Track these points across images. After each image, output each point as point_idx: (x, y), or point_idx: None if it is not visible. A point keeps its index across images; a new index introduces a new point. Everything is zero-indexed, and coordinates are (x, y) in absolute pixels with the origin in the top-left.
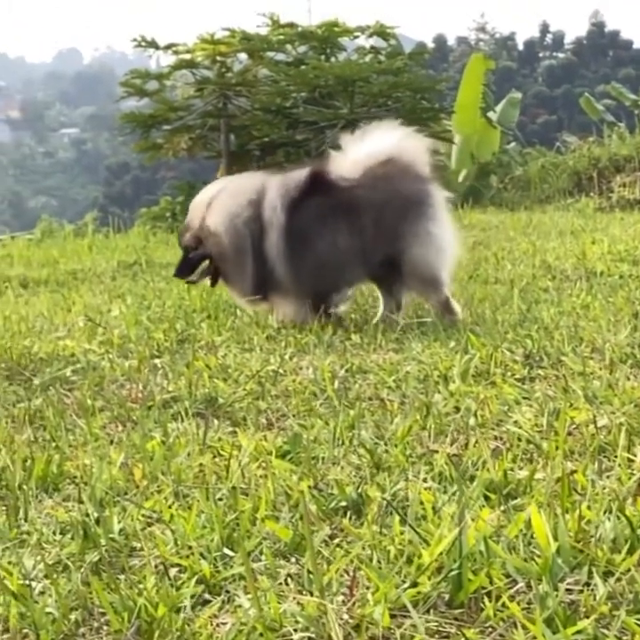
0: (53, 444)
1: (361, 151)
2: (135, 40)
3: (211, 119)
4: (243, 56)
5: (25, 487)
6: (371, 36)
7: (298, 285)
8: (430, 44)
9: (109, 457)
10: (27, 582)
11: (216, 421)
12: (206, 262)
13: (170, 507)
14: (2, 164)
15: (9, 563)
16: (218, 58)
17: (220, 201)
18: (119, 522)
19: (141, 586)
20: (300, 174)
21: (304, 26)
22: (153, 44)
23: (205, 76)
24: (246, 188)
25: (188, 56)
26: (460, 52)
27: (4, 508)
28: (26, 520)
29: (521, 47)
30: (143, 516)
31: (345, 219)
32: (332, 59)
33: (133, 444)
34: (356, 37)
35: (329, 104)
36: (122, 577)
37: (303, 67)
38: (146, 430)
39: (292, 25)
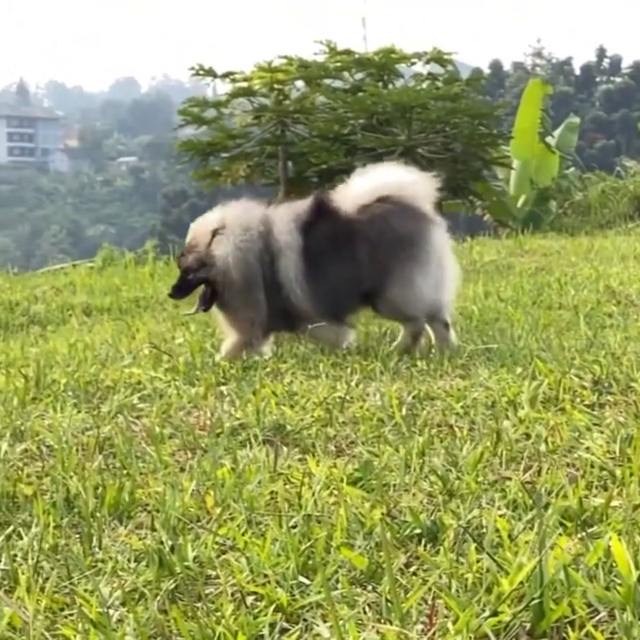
0: (124, 472)
1: (363, 186)
2: (193, 68)
3: (269, 146)
4: (300, 83)
5: (98, 515)
6: (428, 62)
7: (316, 305)
8: (486, 70)
9: (181, 484)
10: (104, 610)
11: (285, 448)
12: (202, 286)
13: (243, 534)
14: (61, 193)
15: (85, 590)
16: (275, 85)
17: (230, 231)
18: (193, 549)
19: (219, 614)
20: (305, 202)
21: (361, 53)
22: (210, 73)
23: (263, 104)
24: (254, 219)
25: (245, 84)
26: (517, 77)
27: (77, 535)
28: (100, 548)
29: (578, 72)
30: (217, 543)
31: (345, 245)
32: (390, 85)
33: (204, 472)
34: (413, 64)
35: (387, 131)
36: (199, 605)
37: (361, 94)
38: (216, 457)
39: (348, 52)
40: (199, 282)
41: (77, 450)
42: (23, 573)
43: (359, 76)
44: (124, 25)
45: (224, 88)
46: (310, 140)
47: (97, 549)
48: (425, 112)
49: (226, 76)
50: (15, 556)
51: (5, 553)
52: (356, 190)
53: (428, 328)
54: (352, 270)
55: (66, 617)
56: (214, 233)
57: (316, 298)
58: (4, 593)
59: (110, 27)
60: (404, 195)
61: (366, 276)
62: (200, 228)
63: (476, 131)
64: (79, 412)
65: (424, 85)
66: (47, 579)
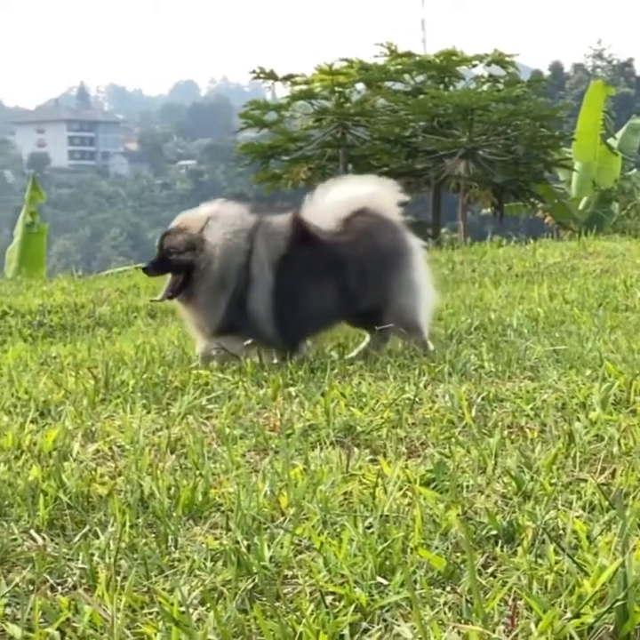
0: (197, 472)
1: (334, 201)
2: (254, 71)
3: (329, 149)
4: (361, 86)
5: (173, 514)
6: (489, 64)
7: (281, 337)
8: (546, 72)
9: (254, 485)
10: (185, 609)
11: (356, 450)
12: (177, 276)
13: (319, 534)
14: (121, 196)
15: (163, 589)
16: (336, 88)
17: (225, 223)
18: (269, 549)
19: (299, 613)
20: (286, 222)
21: (421, 55)
22: (271, 76)
23: (324, 107)
24: (244, 227)
25: (306, 86)
26: (577, 79)
27: (153, 534)
28: (176, 547)
29: (639, 73)
30: (292, 543)
31: (328, 273)
32: (450, 87)
33: (276, 472)
34: (474, 66)
35: (448, 133)
36: (277, 604)
37: (421, 96)
38: (288, 458)
39: (409, 54)
40: (180, 265)
41: (149, 450)
42: (101, 572)
43: (420, 78)
44: (184, 28)
45: (284, 91)
46: (371, 142)
47: (173, 549)
48: (486, 114)
49: (286, 78)
50: (92, 554)
51: (83, 551)
52: (332, 207)
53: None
54: (338, 295)
55: (145, 615)
56: (209, 221)
57: (283, 326)
58: (84, 591)
59: (170, 30)
60: (378, 207)
61: (360, 297)
62: (193, 215)
63: (537, 133)
64: (148, 412)
65: (485, 87)
66: (125, 577)
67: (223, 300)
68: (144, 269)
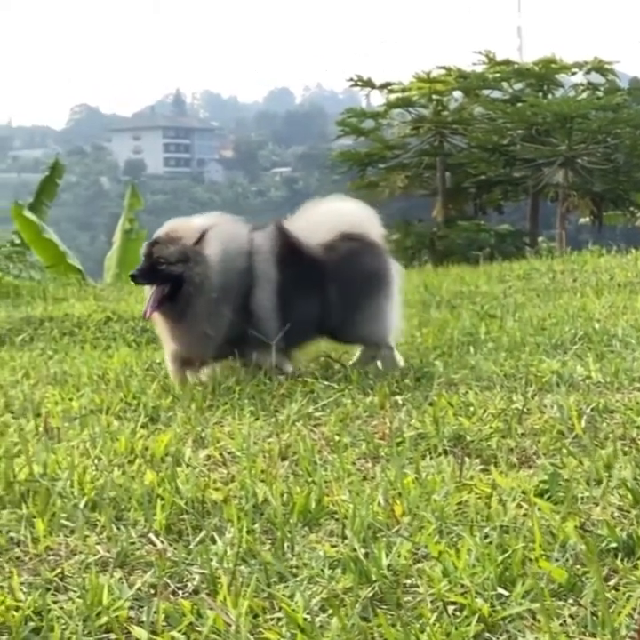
0: (309, 479)
1: (324, 221)
2: (351, 79)
3: (426, 157)
4: (458, 94)
5: (291, 521)
6: (588, 72)
7: (284, 335)
8: None
9: (367, 493)
10: (309, 616)
11: (466, 459)
12: (163, 287)
13: (436, 543)
14: (216, 203)
15: (283, 595)
16: (434, 96)
17: (223, 236)
18: (386, 557)
19: (422, 622)
20: (273, 232)
21: (520, 63)
22: (369, 83)
23: (421, 115)
24: (243, 237)
25: (403, 94)
26: None
27: (269, 541)
28: (293, 554)
29: None
30: (409, 551)
31: (317, 285)
32: (549, 95)
33: (389, 481)
34: (574, 74)
35: (546, 141)
36: (396, 613)
37: (520, 104)
38: (400, 467)
39: (508, 62)
40: (168, 276)
41: (260, 457)
42: (221, 577)
43: (518, 86)
44: (278, 35)
45: (379, 99)
46: (468, 150)
47: (290, 555)
48: (585, 122)
49: (384, 86)
50: (210, 559)
51: (201, 556)
52: (319, 226)
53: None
54: (320, 308)
55: (267, 621)
56: (205, 233)
57: (286, 324)
58: (206, 596)
59: (265, 37)
60: (364, 231)
61: (334, 314)
62: (184, 224)
63: (638, 141)
64: (257, 419)
65: (584, 95)
66: (244, 583)
67: (228, 307)
68: (131, 277)
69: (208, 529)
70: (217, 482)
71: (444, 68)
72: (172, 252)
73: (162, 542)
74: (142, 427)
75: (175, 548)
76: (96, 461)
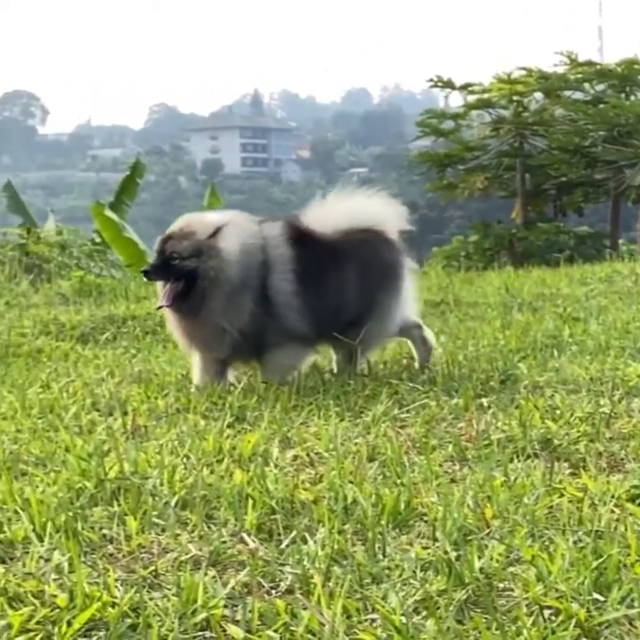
0: (398, 481)
1: (343, 214)
2: (431, 80)
3: (506, 159)
4: (539, 95)
5: (382, 523)
6: None
7: (310, 322)
8: None
9: (457, 495)
10: (404, 617)
11: (555, 463)
12: (177, 283)
13: (529, 547)
14: (292, 203)
15: (376, 597)
16: (514, 97)
17: (239, 230)
18: (478, 560)
19: (518, 625)
20: (285, 224)
21: (602, 64)
22: (449, 84)
23: (501, 116)
24: (256, 232)
25: (483, 95)
26: None
27: (360, 542)
28: (384, 555)
29: None
30: (500, 555)
31: (337, 272)
32: (632, 97)
33: (477, 483)
34: None
35: (628, 143)
36: (492, 616)
37: (602, 105)
38: (489, 469)
39: (589, 63)
40: (181, 271)
41: (348, 458)
42: (314, 577)
43: (600, 87)
44: (356, 35)
45: (458, 99)
46: (549, 152)
47: (381, 557)
48: None
49: (464, 87)
50: (301, 559)
51: (293, 556)
52: (336, 218)
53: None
54: (340, 297)
55: (361, 622)
56: (219, 228)
57: (311, 315)
58: (300, 596)
59: (341, 37)
60: (383, 226)
61: (352, 305)
62: (198, 219)
63: None
64: (342, 420)
65: None
66: (337, 583)
67: (248, 299)
68: (144, 273)
69: (299, 529)
70: (305, 482)
71: (524, 68)
72: (185, 246)
73: (253, 541)
74: (228, 426)
75: (266, 548)
76: (184, 460)
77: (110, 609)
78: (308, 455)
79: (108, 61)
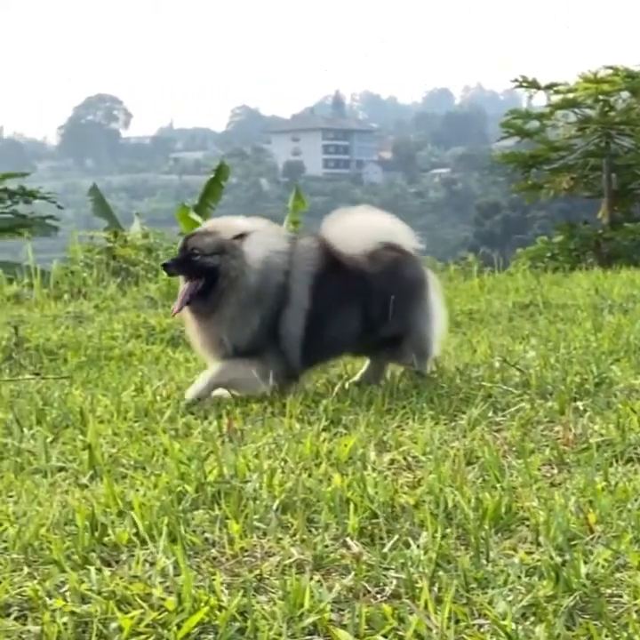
0: (498, 485)
1: (358, 231)
2: (516, 80)
3: (592, 159)
4: (626, 94)
5: (485, 527)
6: None
7: (305, 359)
8: None
9: (559, 500)
10: (514, 624)
11: None
12: (197, 281)
13: (636, 553)
14: (374, 204)
15: (481, 602)
16: (600, 96)
17: (263, 240)
18: (584, 566)
19: (630, 633)
20: (314, 247)
21: None
22: (534, 84)
23: (587, 116)
24: (283, 252)
25: (568, 95)
26: None
27: (463, 546)
28: (487, 560)
29: None
30: (606, 560)
31: (357, 300)
32: None
33: (578, 488)
34: None
35: None
36: (603, 622)
37: None
38: (589, 474)
39: None
40: (203, 268)
41: (445, 461)
42: (419, 582)
43: None
44: (436, 35)
45: (541, 99)
46: (636, 151)
47: (484, 561)
48: None
49: (549, 87)
50: (405, 564)
51: (396, 561)
52: (358, 236)
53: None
54: (359, 322)
55: (467, 628)
56: (246, 232)
57: (311, 348)
58: (408, 601)
59: (425, 38)
60: (401, 242)
61: (381, 325)
62: (225, 222)
63: None
64: (436, 423)
65: None
66: (441, 588)
67: (256, 316)
68: (164, 266)
69: (400, 533)
70: (404, 486)
71: (611, 67)
72: (207, 243)
73: (357, 546)
74: (324, 429)
75: (369, 552)
76: (282, 464)
77: (217, 612)
78: (404, 459)
79: (190, 64)
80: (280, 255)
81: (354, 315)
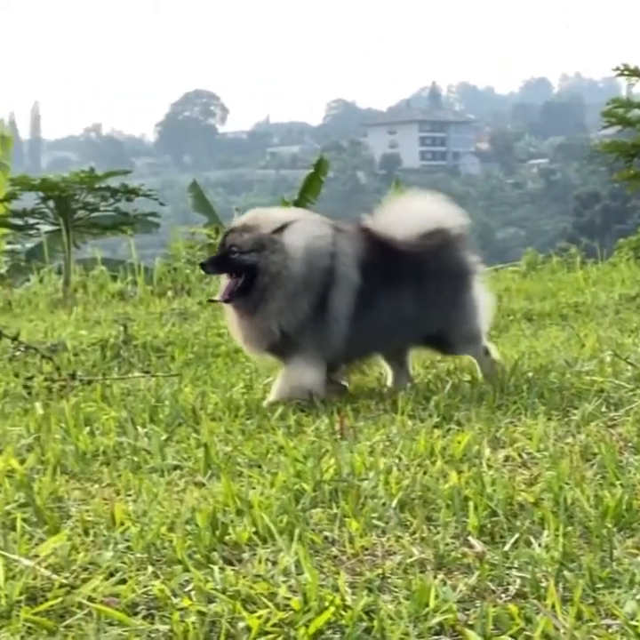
0: (617, 482)
1: (411, 217)
2: (617, 68)
3: None
4: None
5: (607, 525)
6: None
7: (353, 343)
8: None
9: None
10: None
11: None
12: (237, 278)
13: None
14: (471, 196)
15: (608, 601)
16: None
17: (304, 228)
18: None
19: None
20: (359, 233)
21: None
22: (636, 72)
23: None
24: (327, 236)
25: None
26: None
27: (585, 544)
28: (611, 559)
29: None
30: None
31: (405, 284)
32: None
33: None
34: None
35: None
36: None
37: None
38: None
39: None
40: (241, 265)
41: (562, 458)
42: (544, 581)
43: None
44: (534, 26)
45: None
46: None
47: (608, 560)
48: None
49: None
50: (529, 563)
51: (519, 559)
52: (407, 222)
53: None
54: (411, 309)
55: (595, 628)
56: (286, 224)
57: (360, 335)
58: (535, 601)
59: (520, 27)
60: (450, 227)
61: (427, 314)
62: (265, 214)
63: None
64: (549, 419)
65: None
66: (568, 588)
67: (305, 303)
68: (201, 265)
69: (521, 531)
70: (520, 483)
71: None
72: (245, 239)
73: (479, 544)
74: (435, 426)
75: (491, 551)
76: (397, 461)
77: (343, 612)
78: (519, 455)
79: (285, 58)
80: (324, 239)
81: (403, 298)
